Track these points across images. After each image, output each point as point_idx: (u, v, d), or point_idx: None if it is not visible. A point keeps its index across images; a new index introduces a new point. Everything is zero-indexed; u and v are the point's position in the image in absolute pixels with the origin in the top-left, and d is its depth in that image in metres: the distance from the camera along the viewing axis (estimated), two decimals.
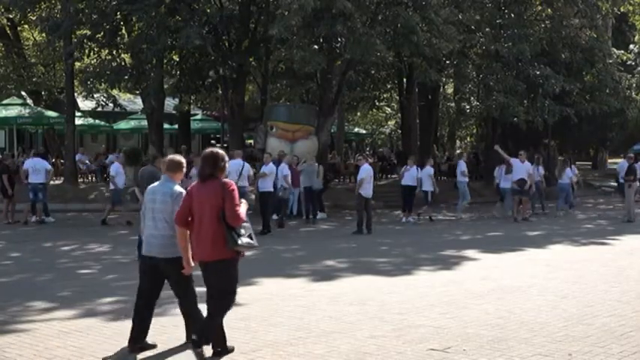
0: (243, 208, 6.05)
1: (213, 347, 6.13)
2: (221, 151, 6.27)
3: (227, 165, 6.25)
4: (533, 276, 10.17)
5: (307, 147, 21.27)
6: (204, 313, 6.14)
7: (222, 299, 6.05)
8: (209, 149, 6.35)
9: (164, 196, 6.32)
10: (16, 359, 6.11)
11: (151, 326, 7.17)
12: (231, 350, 6.18)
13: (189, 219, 6.05)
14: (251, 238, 6.03)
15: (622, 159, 25.11)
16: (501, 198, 20.18)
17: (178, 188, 6.35)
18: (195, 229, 6.03)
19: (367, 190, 16.26)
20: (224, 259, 5.97)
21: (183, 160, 6.66)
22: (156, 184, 6.63)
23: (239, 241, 5.91)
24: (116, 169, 17.97)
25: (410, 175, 18.71)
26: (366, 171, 16.43)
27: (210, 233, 5.92)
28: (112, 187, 18.05)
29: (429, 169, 19.24)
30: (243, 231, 5.98)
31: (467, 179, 20.34)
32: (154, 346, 6.41)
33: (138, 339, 6.33)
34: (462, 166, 20.32)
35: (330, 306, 8.17)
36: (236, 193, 6.01)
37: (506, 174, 19.51)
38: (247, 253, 6.39)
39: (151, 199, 6.43)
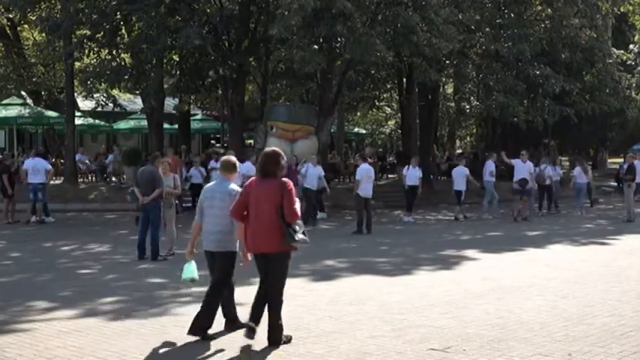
0: (297, 206, 6.43)
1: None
2: (280, 151, 6.74)
3: (284, 164, 6.68)
4: (533, 276, 10.16)
5: (307, 147, 21.26)
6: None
7: (272, 289, 6.44)
8: (270, 148, 6.80)
9: (222, 194, 6.84)
10: (16, 359, 6.11)
11: (151, 326, 7.20)
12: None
13: (245, 213, 6.46)
14: (304, 234, 6.41)
15: (622, 159, 25.31)
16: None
17: (236, 187, 6.88)
18: (252, 223, 6.42)
19: (365, 191, 16.25)
20: (282, 252, 6.39)
21: (237, 161, 7.25)
22: (212, 184, 7.23)
23: (296, 237, 6.30)
24: None
25: (412, 175, 18.77)
26: (362, 172, 16.40)
27: (269, 227, 6.32)
28: None
29: (463, 169, 19.50)
30: (297, 227, 6.36)
31: (494, 179, 20.33)
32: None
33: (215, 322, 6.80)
34: (491, 166, 20.23)
35: (330, 306, 8.17)
36: (294, 192, 6.42)
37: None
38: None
39: (209, 197, 6.94)
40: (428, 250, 13.07)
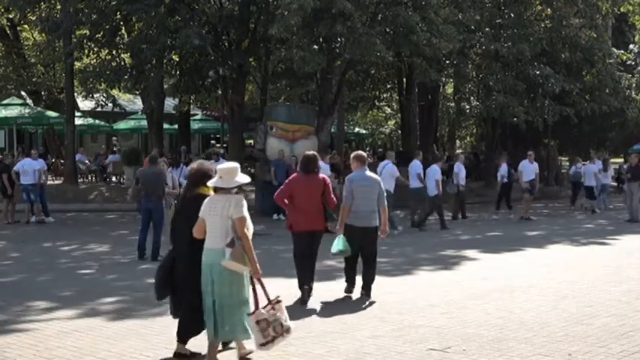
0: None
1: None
2: (316, 154, 8.69)
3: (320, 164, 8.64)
4: (533, 276, 10.17)
5: (307, 147, 21.18)
6: None
7: (315, 258, 8.56)
8: (310, 152, 8.75)
9: (369, 181, 8.71)
10: (16, 359, 6.11)
11: (152, 326, 7.20)
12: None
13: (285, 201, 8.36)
14: (335, 218, 8.65)
15: (622, 159, 25.42)
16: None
17: (376, 176, 8.98)
18: (301, 209, 8.27)
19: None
20: (323, 230, 8.46)
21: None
22: (356, 174, 8.81)
23: (335, 218, 8.64)
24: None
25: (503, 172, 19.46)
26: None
27: (318, 212, 8.36)
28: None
29: (592, 167, 21.11)
30: (333, 214, 8.59)
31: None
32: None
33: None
34: (600, 164, 22.10)
35: (330, 306, 8.16)
36: (330, 186, 8.48)
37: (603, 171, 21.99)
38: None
39: (362, 185, 8.66)
40: (428, 250, 13.07)
